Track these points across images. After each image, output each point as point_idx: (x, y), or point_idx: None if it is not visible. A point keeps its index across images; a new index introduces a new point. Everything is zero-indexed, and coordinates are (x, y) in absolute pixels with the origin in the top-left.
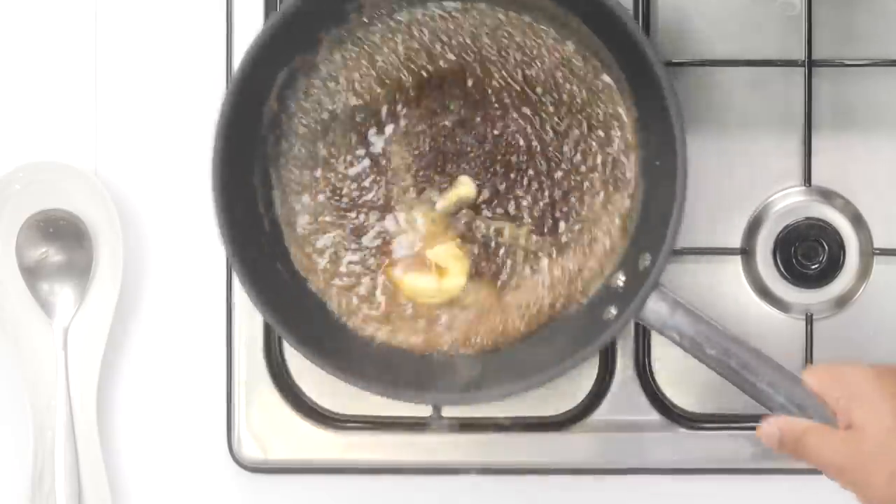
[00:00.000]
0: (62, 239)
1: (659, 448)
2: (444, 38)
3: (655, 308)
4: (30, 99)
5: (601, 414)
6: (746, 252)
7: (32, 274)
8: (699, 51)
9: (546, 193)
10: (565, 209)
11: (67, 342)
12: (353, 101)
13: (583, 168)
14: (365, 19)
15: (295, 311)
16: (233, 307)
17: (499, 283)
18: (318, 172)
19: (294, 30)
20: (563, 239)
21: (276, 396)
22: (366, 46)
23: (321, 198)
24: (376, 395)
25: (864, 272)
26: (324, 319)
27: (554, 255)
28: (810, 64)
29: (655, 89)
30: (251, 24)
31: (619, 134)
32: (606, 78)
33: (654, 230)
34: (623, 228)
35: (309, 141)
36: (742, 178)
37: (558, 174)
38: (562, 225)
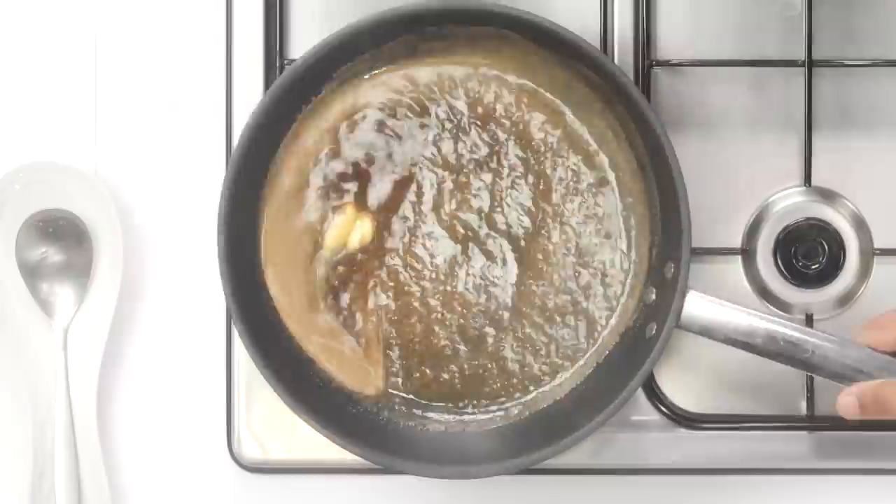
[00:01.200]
0: (62, 239)
1: (659, 448)
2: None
3: (693, 314)
4: (30, 99)
5: None
6: (747, 252)
7: (32, 274)
8: (699, 51)
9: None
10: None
11: (67, 342)
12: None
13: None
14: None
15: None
16: None
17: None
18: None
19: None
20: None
21: (275, 397)
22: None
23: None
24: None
25: (865, 272)
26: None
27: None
28: (810, 64)
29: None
30: (251, 24)
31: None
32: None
33: (671, 240)
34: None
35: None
36: (742, 178)
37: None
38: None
